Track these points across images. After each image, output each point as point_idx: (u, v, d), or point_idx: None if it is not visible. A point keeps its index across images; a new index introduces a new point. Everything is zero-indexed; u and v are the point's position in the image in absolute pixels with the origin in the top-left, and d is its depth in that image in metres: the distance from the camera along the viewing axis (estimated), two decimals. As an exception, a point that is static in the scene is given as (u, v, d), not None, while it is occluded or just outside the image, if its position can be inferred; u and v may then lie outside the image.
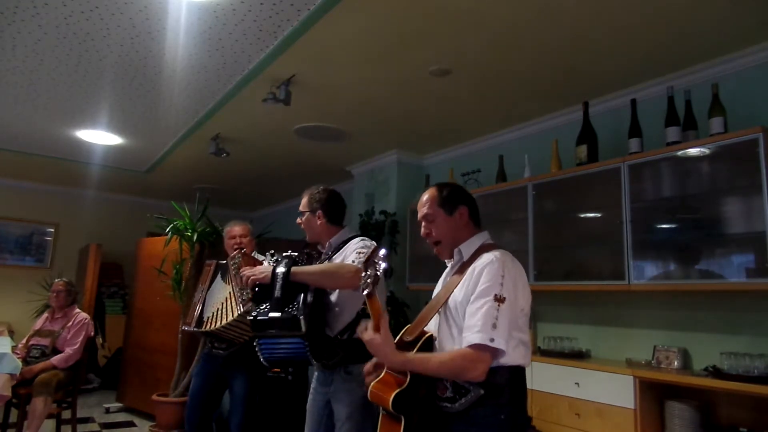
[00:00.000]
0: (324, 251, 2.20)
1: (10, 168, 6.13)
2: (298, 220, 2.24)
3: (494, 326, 1.40)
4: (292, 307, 1.85)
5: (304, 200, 2.22)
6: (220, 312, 2.65)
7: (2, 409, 3.79)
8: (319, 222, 2.16)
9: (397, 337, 1.60)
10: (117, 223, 7.27)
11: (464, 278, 1.54)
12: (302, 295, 1.87)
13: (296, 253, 2.02)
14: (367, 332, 1.50)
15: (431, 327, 1.66)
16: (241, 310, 2.51)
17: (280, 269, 1.87)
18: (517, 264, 1.56)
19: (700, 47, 2.82)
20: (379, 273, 1.52)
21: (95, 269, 6.17)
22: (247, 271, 1.96)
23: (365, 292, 1.48)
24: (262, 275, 1.90)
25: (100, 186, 6.91)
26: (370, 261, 1.53)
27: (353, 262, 1.94)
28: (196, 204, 4.83)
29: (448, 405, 1.51)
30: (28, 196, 6.84)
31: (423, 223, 1.69)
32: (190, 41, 2.96)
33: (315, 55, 3.08)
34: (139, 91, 3.72)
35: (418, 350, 1.56)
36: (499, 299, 1.43)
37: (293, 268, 1.89)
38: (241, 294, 2.57)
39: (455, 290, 1.55)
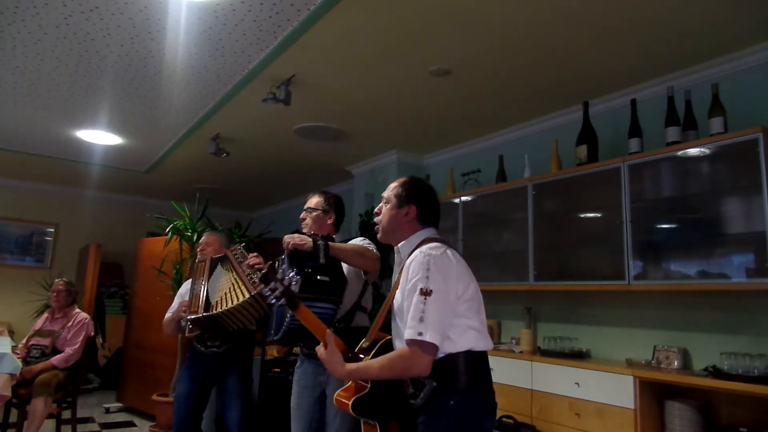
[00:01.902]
0: None
1: (10, 168, 6.13)
2: (303, 215, 2.37)
3: (421, 320, 1.43)
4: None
5: (318, 200, 2.38)
6: (228, 296, 2.68)
7: (2, 409, 3.79)
8: (328, 222, 2.36)
9: (359, 345, 1.68)
10: (117, 223, 7.28)
11: (401, 277, 1.59)
12: (340, 265, 1.99)
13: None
14: (318, 348, 1.56)
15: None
16: (253, 292, 2.55)
17: (321, 241, 1.94)
18: (448, 254, 1.56)
19: (700, 47, 2.82)
20: (289, 286, 1.57)
21: (95, 269, 6.16)
22: (287, 237, 2.01)
23: (279, 302, 1.53)
24: (303, 242, 1.94)
25: (100, 186, 6.92)
26: (271, 276, 1.55)
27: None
28: (196, 204, 4.84)
29: (413, 401, 1.55)
30: (28, 196, 6.84)
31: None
32: (190, 41, 2.96)
33: (315, 55, 3.08)
34: (139, 91, 3.72)
35: (375, 354, 1.61)
36: (425, 292, 1.46)
37: (330, 243, 1.98)
38: (250, 278, 2.61)
39: (397, 291, 1.60)
